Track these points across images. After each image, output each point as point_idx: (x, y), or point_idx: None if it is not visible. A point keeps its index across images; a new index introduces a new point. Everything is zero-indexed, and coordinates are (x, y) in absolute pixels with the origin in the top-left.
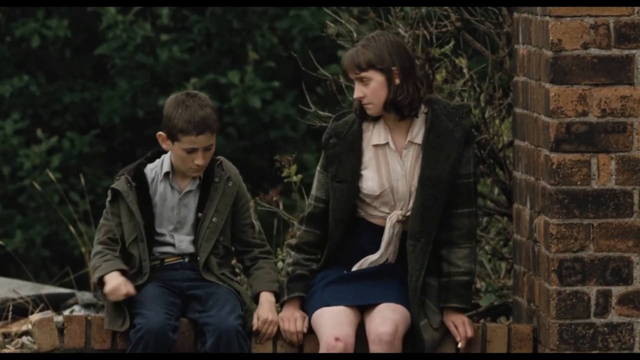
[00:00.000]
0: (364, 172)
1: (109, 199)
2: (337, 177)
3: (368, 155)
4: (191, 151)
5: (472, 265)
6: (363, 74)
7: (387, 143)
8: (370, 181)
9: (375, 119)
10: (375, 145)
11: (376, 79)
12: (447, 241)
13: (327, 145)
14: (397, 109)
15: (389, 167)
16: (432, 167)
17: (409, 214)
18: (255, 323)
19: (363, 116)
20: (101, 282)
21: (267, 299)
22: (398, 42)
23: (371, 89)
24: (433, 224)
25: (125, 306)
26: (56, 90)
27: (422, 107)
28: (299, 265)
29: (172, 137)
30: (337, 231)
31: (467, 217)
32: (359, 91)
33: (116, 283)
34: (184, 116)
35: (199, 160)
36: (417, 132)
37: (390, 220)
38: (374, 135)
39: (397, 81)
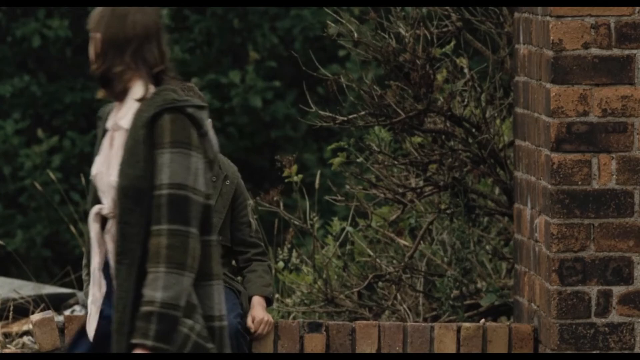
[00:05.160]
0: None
1: None
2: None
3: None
4: None
5: (156, 292)
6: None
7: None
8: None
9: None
10: None
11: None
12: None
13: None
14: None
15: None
16: (124, 174)
17: (107, 212)
18: (251, 325)
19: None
20: None
21: (259, 302)
22: (122, 12)
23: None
24: (135, 243)
25: None
26: (57, 90)
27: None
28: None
29: None
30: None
31: (156, 237)
32: None
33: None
34: None
35: None
36: (124, 115)
37: (91, 214)
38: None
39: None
